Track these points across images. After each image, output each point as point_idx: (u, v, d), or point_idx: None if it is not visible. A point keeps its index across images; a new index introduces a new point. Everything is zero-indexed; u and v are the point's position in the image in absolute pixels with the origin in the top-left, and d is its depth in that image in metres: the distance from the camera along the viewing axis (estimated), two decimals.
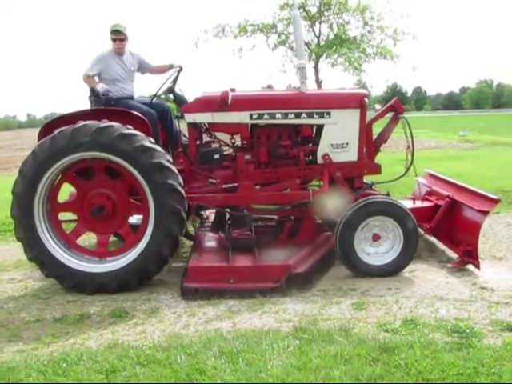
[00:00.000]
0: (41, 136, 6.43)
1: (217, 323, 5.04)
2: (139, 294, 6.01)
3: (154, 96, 7.28)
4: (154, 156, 6.04)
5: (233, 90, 6.91)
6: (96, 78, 7.03)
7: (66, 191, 6.83)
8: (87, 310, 5.59)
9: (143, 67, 7.47)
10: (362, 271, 6.25)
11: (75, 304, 5.82)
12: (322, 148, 6.83)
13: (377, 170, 7.01)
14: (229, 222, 7.19)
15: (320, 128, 6.90)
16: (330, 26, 13.76)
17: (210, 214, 7.93)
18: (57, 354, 4.47)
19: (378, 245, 6.34)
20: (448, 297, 5.50)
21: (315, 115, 6.80)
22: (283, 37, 13.89)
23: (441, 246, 7.21)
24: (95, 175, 6.45)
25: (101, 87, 6.85)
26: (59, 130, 6.14)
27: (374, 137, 7.22)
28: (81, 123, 6.11)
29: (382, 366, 3.90)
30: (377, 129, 7.33)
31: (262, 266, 6.11)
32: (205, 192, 6.77)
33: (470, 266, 6.31)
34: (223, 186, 6.81)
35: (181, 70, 7.21)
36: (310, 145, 7.03)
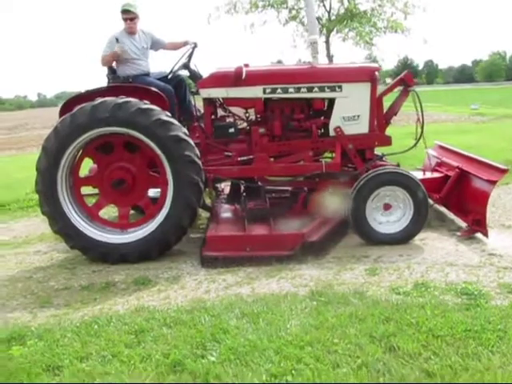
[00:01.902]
0: (62, 113, 6.64)
1: (236, 288, 5.30)
2: (161, 263, 6.26)
3: (170, 72, 7.44)
4: (171, 129, 6.25)
5: (246, 65, 7.08)
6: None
7: (86, 167, 7.05)
8: (112, 279, 5.85)
9: (156, 44, 7.62)
10: (374, 239, 6.46)
11: (100, 273, 6.08)
12: (334, 121, 7.00)
13: (387, 141, 7.18)
14: (244, 193, 7.40)
15: (332, 101, 7.07)
16: (341, 1, 13.73)
17: (225, 186, 8.17)
18: (87, 317, 4.75)
19: (389, 214, 6.54)
20: (458, 263, 5.72)
21: (327, 89, 6.96)
22: (294, 12, 13.92)
23: (450, 215, 7.40)
24: (115, 150, 6.66)
25: (119, 48, 7.03)
26: (79, 106, 6.35)
27: (385, 110, 7.37)
28: (99, 100, 6.31)
29: (395, 324, 4.13)
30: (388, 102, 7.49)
31: (277, 234, 6.34)
32: (221, 165, 6.98)
33: (479, 235, 6.51)
34: (238, 159, 7.01)
35: (195, 46, 7.36)
36: (322, 118, 7.20)
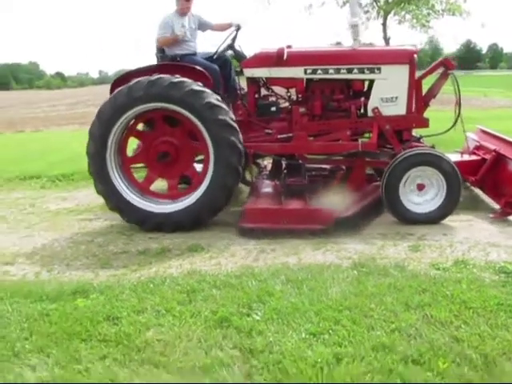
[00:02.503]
0: (112, 90, 7.02)
1: (284, 258, 5.59)
2: (213, 232, 6.59)
3: (215, 52, 7.72)
4: (203, 97, 6.54)
5: (289, 46, 7.33)
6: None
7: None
8: (167, 245, 6.22)
9: (204, 26, 7.90)
10: (408, 219, 6.64)
11: (156, 240, 6.45)
12: (373, 102, 7.16)
13: (425, 123, 7.29)
14: (285, 171, 7.63)
15: (371, 83, 7.24)
16: None
17: (268, 164, 8.48)
18: (144, 278, 5.15)
19: (423, 194, 6.69)
20: (500, 244, 5.83)
21: (366, 70, 7.13)
22: None
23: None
24: (156, 126, 7.04)
25: (181, 34, 7.39)
26: (136, 79, 6.69)
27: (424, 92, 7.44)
28: (157, 76, 6.65)
29: (430, 295, 4.37)
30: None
31: (311, 209, 6.60)
32: (262, 141, 7.25)
33: None
34: (278, 136, 7.26)
35: (240, 28, 7.61)
36: (361, 98, 7.35)
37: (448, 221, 6.63)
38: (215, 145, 6.61)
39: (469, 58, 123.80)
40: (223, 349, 3.70)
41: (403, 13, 13.75)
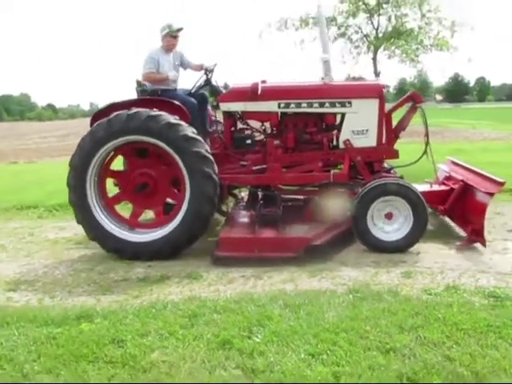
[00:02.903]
0: (94, 120, 7.29)
1: (280, 285, 5.76)
2: (209, 260, 6.75)
3: (193, 87, 8.10)
4: (179, 130, 6.82)
5: (264, 81, 7.71)
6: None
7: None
8: (166, 273, 6.37)
9: (185, 64, 8.30)
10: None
11: (155, 268, 6.61)
12: (344, 134, 7.48)
13: (394, 155, 7.65)
14: (261, 201, 7.84)
15: (342, 116, 7.57)
16: (389, 19, 14.07)
17: (245, 195, 8.74)
18: (145, 303, 5.30)
19: (391, 222, 6.95)
20: (490, 270, 6.03)
21: (337, 104, 7.46)
22: (342, 29, 14.29)
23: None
24: (130, 160, 7.35)
25: (172, 75, 7.80)
26: (115, 113, 6.96)
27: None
28: (135, 109, 6.91)
29: (423, 318, 4.55)
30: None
31: (283, 237, 6.86)
32: (237, 173, 7.55)
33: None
34: (253, 168, 7.55)
35: (215, 65, 8.01)
36: (333, 131, 7.70)
37: (438, 249, 6.89)
38: (191, 175, 6.85)
39: (457, 90, 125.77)
40: (226, 369, 3.86)
41: (393, 48, 14.11)
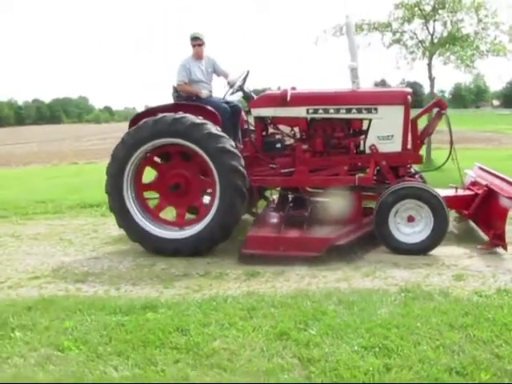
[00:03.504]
0: (131, 124, 7.80)
1: (335, 283, 5.99)
2: (268, 260, 7.00)
3: (226, 93, 8.44)
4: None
5: (293, 88, 8.00)
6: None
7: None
8: (225, 270, 6.66)
9: (218, 71, 8.73)
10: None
11: (214, 264, 6.92)
12: (370, 139, 7.69)
13: (419, 160, 7.88)
14: (290, 203, 8.20)
15: (368, 122, 7.77)
16: (444, 24, 14.00)
17: (276, 198, 9.06)
18: (206, 297, 5.61)
19: (412, 225, 7.16)
20: None
21: (364, 110, 7.68)
22: (398, 35, 14.32)
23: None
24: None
25: (204, 94, 8.28)
26: (143, 121, 7.46)
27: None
28: (160, 115, 7.38)
29: (473, 317, 4.70)
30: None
31: (307, 237, 7.14)
32: (266, 175, 7.88)
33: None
34: (282, 171, 7.86)
35: (248, 72, 8.36)
36: (360, 136, 7.93)
37: (490, 253, 6.98)
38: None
39: None
40: (284, 357, 4.11)
41: (448, 53, 14.04)
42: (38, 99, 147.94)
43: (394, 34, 14.30)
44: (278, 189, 8.59)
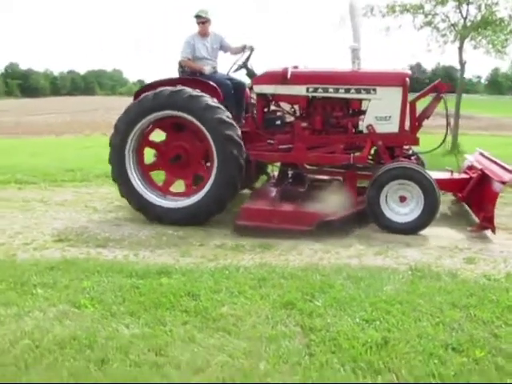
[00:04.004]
0: (135, 98, 8.04)
1: (346, 260, 6.13)
2: (282, 234, 7.15)
3: (230, 69, 8.67)
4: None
5: (295, 67, 8.22)
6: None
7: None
8: (240, 242, 6.82)
9: (224, 48, 8.87)
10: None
11: (231, 236, 7.09)
12: (368, 119, 7.83)
13: (415, 141, 7.98)
14: (290, 179, 8.52)
15: (367, 102, 7.90)
16: (479, 7, 13.78)
17: (277, 173, 9.25)
18: (220, 266, 5.80)
19: (404, 205, 7.32)
20: None
21: (363, 91, 7.82)
22: (430, 17, 14.11)
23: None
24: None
25: (208, 70, 8.40)
26: (143, 94, 7.76)
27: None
28: (159, 89, 7.66)
29: (477, 298, 4.81)
30: None
31: (299, 211, 7.34)
32: (264, 150, 8.09)
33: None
34: (280, 147, 8.08)
35: (253, 49, 8.51)
36: (358, 116, 8.06)
37: (505, 239, 7.05)
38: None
39: None
40: (287, 325, 4.29)
41: (479, 38, 13.82)
42: (73, 70, 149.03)
43: (426, 16, 14.13)
44: (279, 165, 8.86)
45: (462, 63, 14.45)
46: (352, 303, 4.65)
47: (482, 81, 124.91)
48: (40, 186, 10.84)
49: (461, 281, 5.33)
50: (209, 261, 6.09)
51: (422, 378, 3.52)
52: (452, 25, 14.11)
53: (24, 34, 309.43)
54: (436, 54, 17.61)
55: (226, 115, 7.50)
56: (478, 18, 13.63)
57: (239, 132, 7.56)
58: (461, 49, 14.11)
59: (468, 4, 13.73)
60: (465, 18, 13.86)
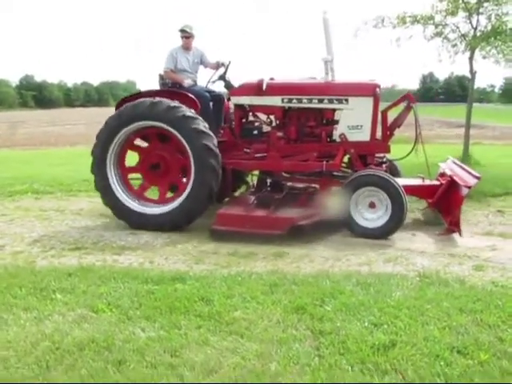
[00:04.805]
0: (118, 107, 8.43)
1: (357, 267, 6.26)
2: (297, 241, 7.29)
3: (208, 82, 9.16)
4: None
5: (272, 78, 8.55)
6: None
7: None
8: (253, 250, 6.97)
9: (205, 63, 9.31)
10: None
11: (244, 244, 7.20)
12: (340, 128, 8.15)
13: (386, 149, 8.28)
14: (268, 187, 8.83)
15: (339, 112, 8.18)
16: (489, 18, 13.79)
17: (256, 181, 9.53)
18: (233, 272, 5.95)
19: (373, 211, 7.58)
20: None
21: (335, 101, 8.15)
22: (440, 28, 14.15)
23: None
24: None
25: (187, 83, 8.78)
26: (124, 105, 8.13)
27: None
28: (139, 100, 8.01)
29: (484, 304, 4.89)
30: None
31: (272, 217, 7.59)
32: (241, 159, 8.48)
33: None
34: (255, 155, 8.45)
35: (230, 62, 8.97)
36: (331, 125, 8.37)
37: None
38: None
39: None
40: (298, 329, 4.42)
41: (489, 47, 13.83)
42: (86, 82, 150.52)
43: (436, 26, 14.19)
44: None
45: (473, 73, 14.51)
46: (361, 308, 4.77)
47: (496, 90, 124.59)
48: (56, 195, 11.11)
49: (468, 287, 5.43)
50: (222, 268, 6.24)
51: (427, 378, 3.64)
52: (462, 35, 14.17)
53: (39, 46, 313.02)
54: (447, 63, 17.71)
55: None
56: (489, 28, 13.67)
57: (216, 142, 7.88)
58: (471, 59, 14.17)
59: (478, 14, 13.79)
60: (475, 29, 13.91)
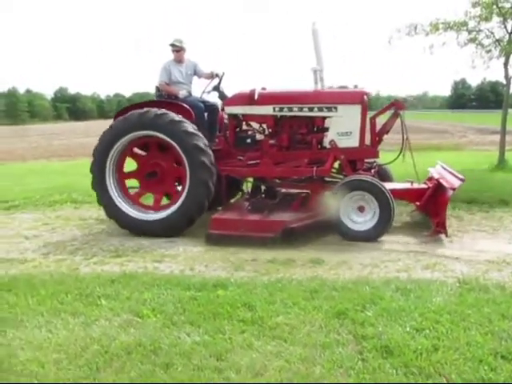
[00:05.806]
0: (116, 117, 8.76)
1: (395, 273, 6.28)
2: (333, 246, 7.43)
3: (203, 92, 9.44)
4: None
5: (264, 88, 8.79)
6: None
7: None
8: (292, 256, 7.05)
9: (198, 73, 9.55)
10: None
11: (281, 252, 7.28)
12: (330, 135, 8.45)
13: (375, 155, 8.53)
14: (263, 194, 9.09)
15: (329, 119, 8.45)
16: None
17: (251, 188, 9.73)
18: (273, 279, 6.03)
19: (362, 215, 7.82)
20: None
21: (325, 109, 8.42)
22: (474, 34, 14.06)
23: None
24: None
25: (182, 94, 9.09)
26: (130, 112, 8.40)
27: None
28: (145, 109, 8.31)
29: None
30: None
31: (264, 220, 7.93)
32: (235, 166, 8.80)
33: None
34: (248, 163, 8.75)
35: (224, 73, 9.31)
36: (321, 133, 8.63)
37: None
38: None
39: None
40: (340, 333, 4.49)
41: None
42: (119, 93, 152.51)
43: (469, 32, 14.12)
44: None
45: (508, 79, 14.41)
46: (402, 313, 4.81)
47: None
48: (94, 204, 11.21)
49: (509, 293, 5.42)
50: (262, 274, 6.32)
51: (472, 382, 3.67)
52: (497, 40, 14.08)
53: (74, 59, 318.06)
54: (481, 69, 17.61)
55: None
56: None
57: (213, 159, 8.21)
58: (506, 64, 14.09)
59: None
60: (510, 34, 13.81)
